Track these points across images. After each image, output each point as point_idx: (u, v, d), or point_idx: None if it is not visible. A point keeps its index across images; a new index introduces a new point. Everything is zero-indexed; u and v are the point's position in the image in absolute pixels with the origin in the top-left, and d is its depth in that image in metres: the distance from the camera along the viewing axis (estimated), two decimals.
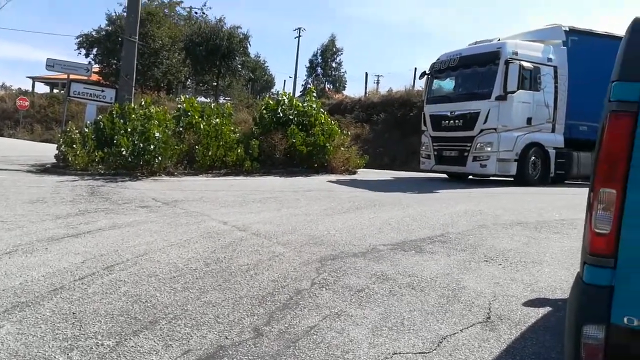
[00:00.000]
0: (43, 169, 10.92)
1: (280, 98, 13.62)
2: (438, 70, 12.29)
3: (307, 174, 12.36)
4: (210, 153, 11.17)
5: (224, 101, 40.02)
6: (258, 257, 4.49)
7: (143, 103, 11.59)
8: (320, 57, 52.55)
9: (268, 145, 12.23)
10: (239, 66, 37.35)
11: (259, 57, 49.38)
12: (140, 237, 5.09)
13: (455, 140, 11.46)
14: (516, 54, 10.64)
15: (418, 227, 5.88)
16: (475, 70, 11.35)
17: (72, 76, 12.49)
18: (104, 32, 35.13)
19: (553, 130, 11.37)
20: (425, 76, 12.67)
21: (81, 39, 35.95)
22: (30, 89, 42.81)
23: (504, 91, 10.48)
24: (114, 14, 35.23)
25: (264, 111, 13.13)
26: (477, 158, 10.87)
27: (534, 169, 11.17)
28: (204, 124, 11.45)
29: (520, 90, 10.59)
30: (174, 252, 4.54)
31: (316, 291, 3.63)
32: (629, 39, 1.62)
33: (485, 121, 10.73)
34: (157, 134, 10.07)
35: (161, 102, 24.74)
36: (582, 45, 11.51)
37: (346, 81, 53.54)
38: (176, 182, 9.89)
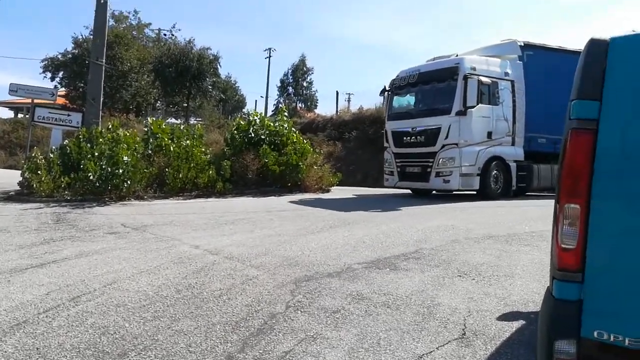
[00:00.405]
0: (6, 197, 10.53)
1: (251, 118, 13.60)
2: (398, 86, 12.31)
3: (280, 193, 12.30)
4: (180, 175, 11.01)
5: (195, 122, 39.72)
6: (231, 281, 4.40)
7: (110, 126, 11.36)
8: (291, 77, 52.99)
9: (240, 166, 12.15)
10: (210, 87, 37.21)
11: (230, 77, 49.34)
12: (108, 265, 4.94)
13: (417, 157, 11.44)
14: (474, 69, 10.78)
15: (392, 244, 5.89)
16: (435, 86, 11.41)
17: (36, 100, 12.18)
18: (70, 55, 34.56)
19: (513, 144, 11.52)
20: (385, 93, 12.68)
21: (46, 62, 35.29)
22: None
23: (463, 106, 10.55)
24: (80, 37, 34.74)
25: (235, 132, 13.07)
26: (440, 174, 10.89)
27: (496, 182, 11.24)
28: (174, 146, 11.30)
29: (480, 105, 10.72)
30: (144, 280, 4.41)
31: (291, 314, 3.57)
32: (586, 59, 1.68)
33: (447, 136, 10.78)
34: (125, 158, 9.86)
35: (130, 124, 24.41)
36: (537, 59, 11.84)
37: (317, 100, 53.93)
38: (146, 206, 9.67)
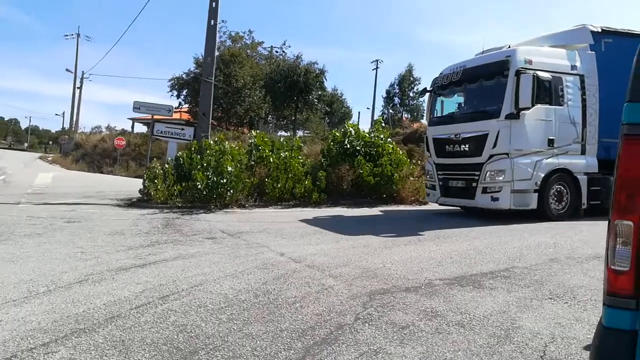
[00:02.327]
0: (129, 203, 11.81)
1: (346, 129, 13.74)
2: (440, 86, 10.52)
3: (374, 204, 12.23)
4: (279, 185, 11.48)
5: (302, 134, 41.23)
6: (307, 289, 4.48)
7: (217, 139, 12.24)
8: (397, 87, 52.59)
9: (335, 177, 12.32)
10: (315, 100, 38.37)
11: (337, 90, 50.45)
12: (199, 267, 5.30)
13: (461, 169, 9.65)
14: (530, 62, 8.90)
15: (481, 260, 5.56)
16: (482, 85, 9.56)
17: (156, 116, 13.58)
18: (192, 75, 37.90)
19: (583, 152, 9.42)
20: (427, 93, 11.08)
21: (173, 81, 39.12)
22: (130, 129, 47.00)
23: (515, 108, 8.74)
24: (200, 57, 37.96)
25: (331, 143, 13.30)
26: (487, 189, 9.05)
27: (560, 200, 9.22)
28: (274, 157, 11.85)
29: (537, 106, 8.87)
30: (227, 283, 4.66)
31: (358, 326, 3.53)
32: (639, 57, 1.46)
33: (495, 145, 8.96)
34: (229, 168, 10.57)
35: (243, 137, 25.93)
36: (617, 48, 9.57)
37: (424, 110, 52.85)
38: (246, 214, 10.23)
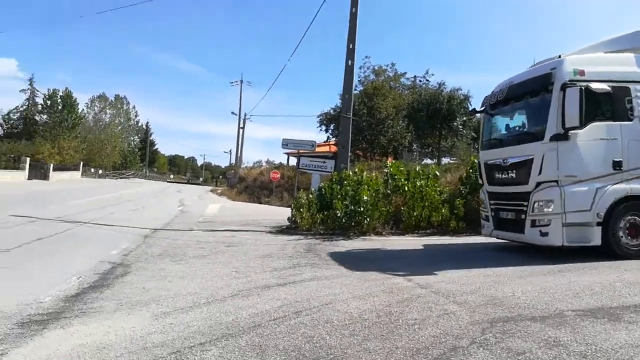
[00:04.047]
0: (279, 230, 13.03)
1: None
2: (490, 105, 9.36)
3: None
4: (415, 213, 11.64)
5: (448, 161, 40.37)
6: (428, 313, 4.65)
7: (356, 170, 12.94)
8: None
9: (476, 204, 11.99)
10: (460, 126, 37.50)
11: None
12: (331, 288, 5.80)
13: (510, 198, 8.41)
14: (581, 73, 7.56)
15: (628, 293, 5.09)
16: (528, 102, 8.40)
17: (301, 151, 14.89)
18: (337, 110, 40.16)
19: None
20: (477, 114, 9.84)
21: (321, 117, 41.89)
22: (286, 162, 51.16)
23: (563, 127, 7.41)
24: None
25: (470, 170, 13.02)
26: (536, 222, 7.70)
27: (636, 234, 7.50)
28: (409, 186, 12.08)
29: (594, 124, 7.48)
30: (354, 304, 5.06)
31: (472, 350, 3.63)
32: None
33: (541, 171, 7.67)
34: (365, 197, 11.10)
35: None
36: None
37: None
38: (382, 241, 10.59)
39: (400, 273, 6.67)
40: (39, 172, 41.12)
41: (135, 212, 16.90)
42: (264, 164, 56.91)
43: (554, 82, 7.60)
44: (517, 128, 8.95)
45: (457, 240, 10.75)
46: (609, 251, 7.43)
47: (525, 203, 7.88)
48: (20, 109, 64.95)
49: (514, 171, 8.28)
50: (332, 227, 11.65)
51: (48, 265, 6.94)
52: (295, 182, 16.83)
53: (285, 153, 52.68)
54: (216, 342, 3.93)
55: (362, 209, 11.10)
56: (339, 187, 12.22)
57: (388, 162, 14.20)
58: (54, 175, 43.46)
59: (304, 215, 12.20)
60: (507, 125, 9.27)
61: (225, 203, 29.32)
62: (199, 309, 4.98)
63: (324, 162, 14.60)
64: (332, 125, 42.26)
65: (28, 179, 37.67)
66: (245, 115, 55.10)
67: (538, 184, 7.72)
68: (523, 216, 7.95)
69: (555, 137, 7.49)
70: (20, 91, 67.06)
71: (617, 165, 7.48)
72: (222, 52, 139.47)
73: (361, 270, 6.96)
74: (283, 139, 14.81)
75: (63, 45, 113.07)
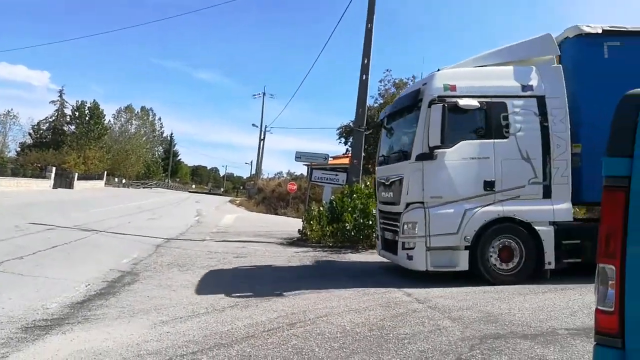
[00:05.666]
0: (290, 242, 13.16)
1: None
2: (383, 119, 8.84)
3: None
4: None
5: None
6: (421, 328, 4.68)
7: (368, 183, 12.99)
8: None
9: None
10: None
11: None
12: (329, 301, 5.88)
13: (390, 218, 7.99)
14: (453, 88, 7.16)
15: None
16: (405, 119, 8.00)
17: (314, 163, 15.04)
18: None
19: (547, 195, 7.16)
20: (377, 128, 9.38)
21: (341, 129, 42.06)
22: (305, 174, 51.49)
23: (428, 146, 7.00)
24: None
25: None
26: (405, 245, 7.24)
27: (508, 258, 7.02)
28: None
29: (463, 142, 7.08)
30: (349, 317, 5.12)
31: None
32: (617, 114, 1.58)
33: (408, 191, 7.28)
34: (374, 211, 11.11)
35: None
36: (631, 52, 7.41)
37: None
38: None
39: (401, 287, 6.70)
40: (64, 180, 42.26)
41: (152, 221, 17.26)
42: (285, 174, 57.37)
43: (422, 99, 7.27)
44: (396, 146, 8.49)
45: None
46: (479, 274, 7.00)
47: (398, 224, 7.47)
48: (50, 119, 67.04)
49: (391, 190, 7.91)
50: (342, 240, 11.71)
51: (59, 273, 7.19)
52: (307, 194, 16.97)
53: (305, 165, 53.30)
54: (207, 352, 4.05)
55: (371, 222, 11.14)
56: (349, 200, 12.30)
57: None
58: (78, 184, 44.61)
59: (314, 227, 12.31)
60: (391, 142, 8.78)
61: (242, 214, 29.64)
62: (197, 318, 5.11)
63: (336, 174, 14.69)
64: (351, 138, 42.43)
65: (53, 188, 38.72)
66: (265, 127, 55.74)
67: (407, 204, 7.32)
68: (397, 237, 7.52)
69: (421, 157, 7.12)
70: (50, 102, 69.36)
71: (488, 186, 7.06)
72: (247, 63, 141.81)
73: (362, 284, 7.00)
74: (296, 152, 14.98)
75: (95, 58, 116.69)
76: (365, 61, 14.01)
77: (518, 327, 4.61)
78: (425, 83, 7.48)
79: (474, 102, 7.07)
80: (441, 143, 6.92)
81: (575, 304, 5.50)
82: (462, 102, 7.02)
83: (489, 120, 7.20)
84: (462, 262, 6.98)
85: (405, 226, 7.19)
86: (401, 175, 7.50)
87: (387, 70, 47.18)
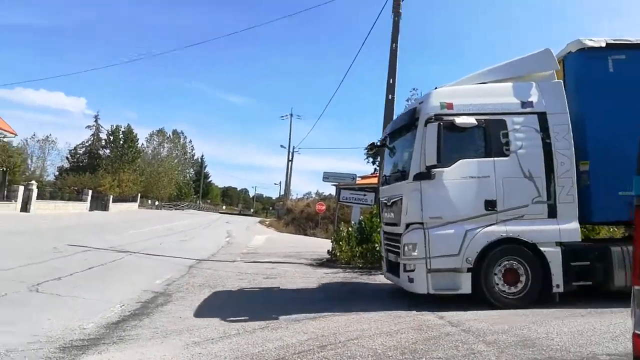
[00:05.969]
0: (319, 263, 13.12)
1: None
2: (385, 138, 8.75)
3: None
4: None
5: None
6: (454, 352, 4.57)
7: None
8: None
9: None
10: None
11: None
12: (360, 323, 5.81)
13: (392, 239, 7.75)
14: (449, 106, 7.02)
15: None
16: (404, 138, 7.80)
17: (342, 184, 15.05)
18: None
19: (552, 215, 6.90)
20: (376, 149, 9.27)
21: (367, 149, 42.15)
22: (334, 194, 51.55)
23: (425, 166, 6.86)
24: None
25: None
26: (406, 267, 7.03)
27: (513, 281, 6.77)
28: None
29: (462, 161, 6.92)
30: (380, 340, 5.05)
31: None
32: None
33: (407, 212, 7.09)
34: None
35: None
36: (636, 65, 7.20)
37: None
38: None
39: (433, 310, 6.57)
40: (99, 203, 43.51)
41: (184, 243, 17.53)
42: (314, 195, 57.57)
43: (419, 117, 7.14)
44: (397, 165, 8.28)
45: None
46: (483, 298, 6.75)
47: (399, 245, 7.26)
48: (86, 143, 69.54)
49: (392, 211, 7.73)
50: (371, 261, 11.60)
51: (95, 293, 7.37)
52: (336, 214, 16.93)
53: (334, 185, 53.42)
54: None
55: None
56: (378, 220, 12.20)
57: None
58: (113, 207, 45.82)
59: (343, 248, 12.25)
60: (393, 162, 8.54)
61: (272, 234, 29.77)
62: (229, 340, 5.14)
63: (365, 194, 14.64)
64: (378, 157, 42.49)
65: (89, 210, 39.91)
66: (293, 148, 56.25)
67: (407, 225, 7.11)
68: (399, 259, 7.31)
69: (418, 176, 6.97)
70: (86, 127, 72.06)
71: (489, 205, 6.86)
72: (273, 84, 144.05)
73: (393, 306, 6.90)
74: (324, 173, 15.07)
75: (127, 83, 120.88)
76: (391, 81, 14.07)
77: (557, 352, 4.45)
78: (422, 102, 7.42)
79: (472, 120, 6.95)
80: (438, 162, 6.77)
81: (616, 329, 5.27)
82: (459, 120, 6.93)
83: (488, 138, 7.07)
84: (465, 285, 6.78)
85: (406, 247, 7.04)
86: (401, 195, 7.36)
87: (414, 89, 47.11)
